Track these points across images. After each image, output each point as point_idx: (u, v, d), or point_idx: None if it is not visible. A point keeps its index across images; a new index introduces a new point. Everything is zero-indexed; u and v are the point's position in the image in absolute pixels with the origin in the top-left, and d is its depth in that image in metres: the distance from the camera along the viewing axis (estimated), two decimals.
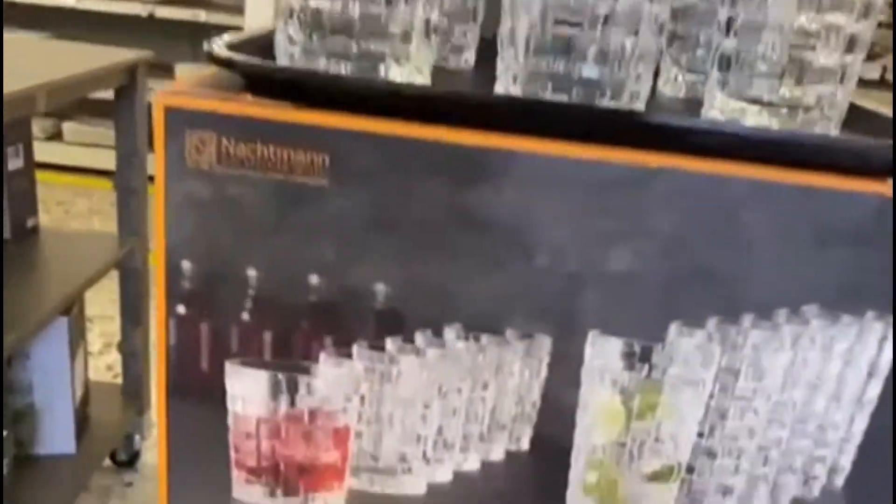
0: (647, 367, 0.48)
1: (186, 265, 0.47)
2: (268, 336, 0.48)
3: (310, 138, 0.44)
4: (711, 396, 0.49)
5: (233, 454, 0.52)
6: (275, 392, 0.50)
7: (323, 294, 0.47)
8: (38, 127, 3.28)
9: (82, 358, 1.89)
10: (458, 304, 0.47)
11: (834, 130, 0.50)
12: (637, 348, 0.47)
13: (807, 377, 0.48)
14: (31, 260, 1.80)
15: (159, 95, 0.44)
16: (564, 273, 0.46)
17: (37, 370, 1.76)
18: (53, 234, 1.91)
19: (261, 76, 0.45)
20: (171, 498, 0.53)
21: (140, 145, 1.90)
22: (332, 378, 0.49)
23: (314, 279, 0.47)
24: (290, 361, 0.49)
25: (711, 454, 0.50)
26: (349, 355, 0.49)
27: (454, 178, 0.45)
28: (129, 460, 1.82)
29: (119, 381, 1.95)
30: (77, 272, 1.77)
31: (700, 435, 0.50)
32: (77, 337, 1.84)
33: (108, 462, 1.83)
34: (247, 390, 0.50)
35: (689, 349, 0.47)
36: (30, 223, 1.89)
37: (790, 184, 0.44)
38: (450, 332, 0.48)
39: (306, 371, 0.49)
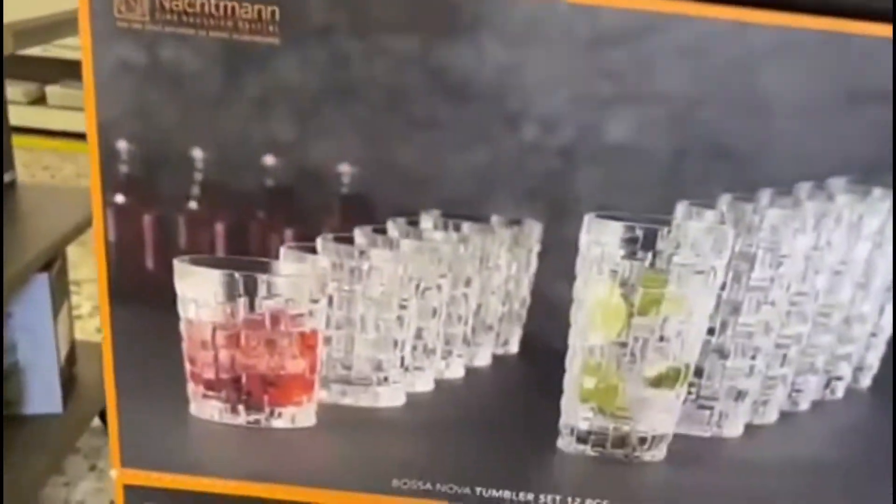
0: (650, 254, 0.42)
1: (122, 146, 0.41)
2: (220, 228, 0.43)
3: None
4: (723, 287, 0.43)
5: (188, 366, 0.47)
6: (231, 294, 0.44)
7: (280, 177, 0.41)
8: (20, 91, 3.20)
9: (66, 316, 1.84)
10: (435, 186, 0.41)
11: None
12: (639, 233, 0.42)
13: (831, 262, 0.42)
14: (8, 215, 1.74)
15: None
16: (556, 147, 0.40)
17: (19, 328, 1.71)
18: (31, 189, 1.85)
19: None
20: (121, 420, 0.47)
21: None
22: (294, 276, 0.43)
23: (269, 160, 0.41)
24: (246, 259, 0.43)
25: (723, 354, 0.45)
26: (313, 250, 0.43)
27: (427, 30, 0.38)
28: None
29: None
30: (55, 226, 1.71)
31: (710, 332, 0.44)
32: (60, 295, 1.79)
33: (97, 423, 1.78)
34: (199, 293, 0.44)
35: (698, 233, 0.42)
36: (6, 178, 1.83)
37: (818, 31, 0.38)
38: (426, 221, 0.42)
39: (265, 269, 0.44)
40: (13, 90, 2.71)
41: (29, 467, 1.67)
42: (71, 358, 1.92)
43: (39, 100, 3.43)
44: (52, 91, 3.36)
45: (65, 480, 1.92)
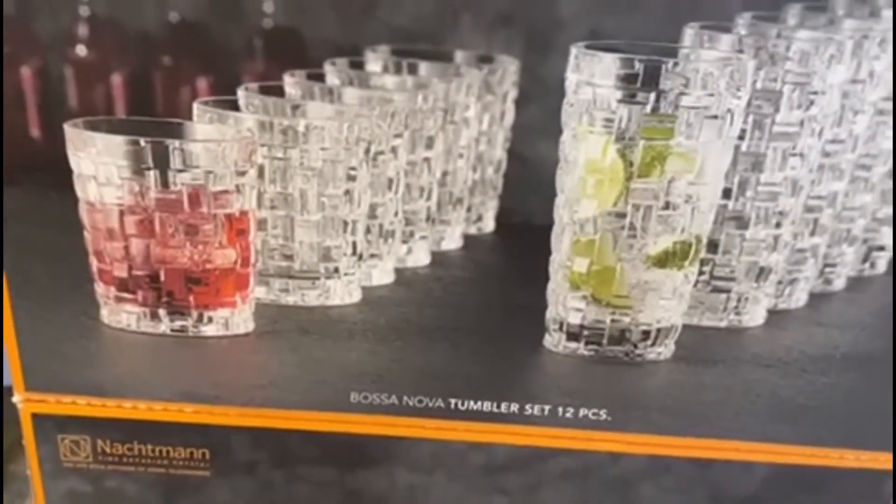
0: (652, 96, 0.34)
1: None
2: (117, 79, 0.34)
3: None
4: (742, 137, 0.35)
5: (94, 263, 0.38)
6: (138, 165, 0.36)
7: (189, 9, 0.33)
8: None
9: None
10: (383, 13, 0.33)
11: None
12: (639, 67, 0.34)
13: (874, 100, 0.35)
14: None
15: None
16: None
17: None
18: None
19: None
20: (20, 335, 0.39)
21: None
22: (213, 140, 0.35)
23: None
24: (153, 119, 0.35)
25: (742, 222, 0.37)
26: (234, 105, 0.35)
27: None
28: None
29: None
30: None
31: (726, 195, 0.36)
32: None
33: None
34: (99, 167, 0.36)
35: (710, 65, 0.33)
36: None
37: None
38: (374, 61, 0.34)
39: (177, 133, 0.35)
40: None
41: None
42: None
43: None
44: None
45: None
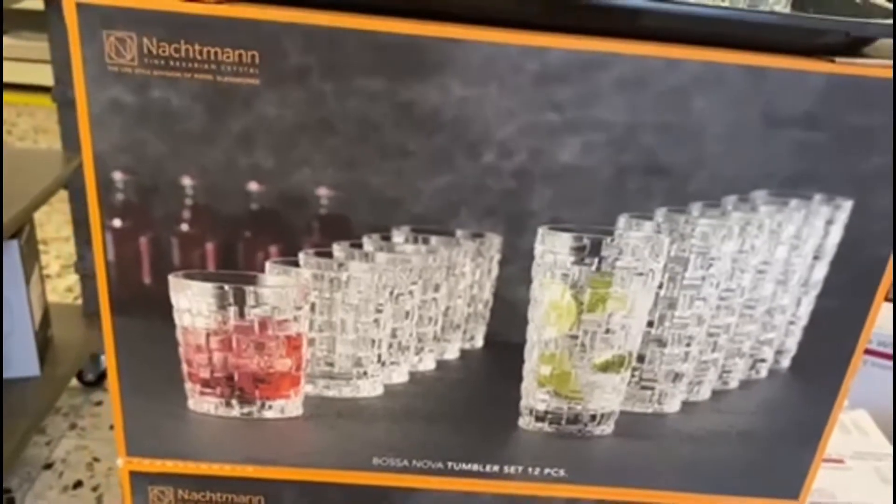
0: (596, 260, 0.48)
1: (118, 176, 0.45)
2: (210, 247, 0.47)
3: (237, 34, 0.41)
4: (660, 286, 0.49)
5: (185, 367, 0.51)
6: (222, 304, 0.49)
7: (264, 201, 0.46)
8: None
9: (38, 280, 1.86)
10: (405, 205, 0.46)
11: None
12: (586, 241, 0.47)
13: (754, 263, 0.48)
14: None
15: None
16: (512, 169, 0.45)
17: None
18: None
19: None
20: (126, 415, 0.52)
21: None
22: (279, 287, 0.48)
23: (253, 186, 0.45)
24: (235, 272, 0.48)
25: (661, 343, 0.51)
26: (296, 263, 0.48)
27: (393, 71, 0.42)
28: (96, 380, 1.82)
29: (80, 302, 1.93)
30: (23, 193, 1.72)
31: (650, 324, 0.50)
32: (30, 260, 1.80)
33: (76, 383, 1.82)
34: (193, 303, 0.49)
35: (637, 241, 0.47)
36: None
37: (739, 65, 0.43)
38: (398, 236, 0.47)
39: (252, 281, 0.48)
40: None
41: (11, 431, 1.71)
42: (45, 321, 1.95)
43: None
44: (6, 43, 3.27)
45: (46, 440, 1.97)
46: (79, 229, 1.81)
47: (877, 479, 0.75)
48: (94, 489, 1.66)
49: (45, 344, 1.92)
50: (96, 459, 1.73)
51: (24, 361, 1.82)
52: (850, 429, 0.82)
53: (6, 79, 3.32)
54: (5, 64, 3.24)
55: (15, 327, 1.78)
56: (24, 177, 1.77)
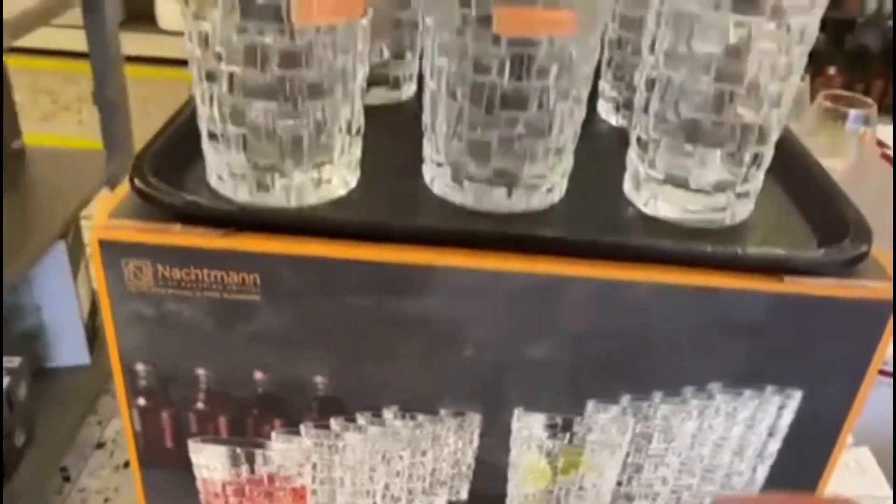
0: (568, 435, 0.53)
1: (140, 367, 0.51)
2: (223, 420, 0.53)
3: (240, 261, 0.47)
4: (628, 455, 0.54)
5: None
6: (235, 463, 0.55)
7: (268, 387, 0.51)
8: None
9: (85, 275, 1.96)
10: (395, 391, 0.51)
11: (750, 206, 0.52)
12: (559, 420, 0.52)
13: (713, 438, 0.53)
14: (20, 183, 1.82)
15: (94, 230, 0.46)
16: (489, 362, 0.50)
17: (41, 294, 1.84)
18: (39, 155, 1.92)
19: (189, 213, 0.47)
20: None
21: (114, 57, 1.87)
22: (284, 451, 0.54)
23: (259, 374, 0.51)
24: (245, 440, 0.54)
25: (630, 498, 0.56)
26: (298, 433, 0.54)
27: (380, 291, 0.47)
28: None
29: None
30: (69, 195, 1.80)
31: (619, 483, 0.55)
32: (76, 256, 1.90)
33: None
34: (210, 461, 0.55)
35: (605, 421, 0.52)
36: (15, 146, 1.90)
37: (692, 286, 0.47)
38: (388, 413, 0.52)
39: (261, 446, 0.54)
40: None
41: (66, 416, 1.84)
42: (93, 311, 2.06)
43: None
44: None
45: (98, 419, 2.11)
46: None
47: None
48: None
49: (93, 333, 2.04)
50: None
51: (75, 351, 1.94)
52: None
53: (52, 45, 3.39)
54: (49, 31, 3.31)
55: (65, 321, 1.90)
56: (69, 179, 1.86)
